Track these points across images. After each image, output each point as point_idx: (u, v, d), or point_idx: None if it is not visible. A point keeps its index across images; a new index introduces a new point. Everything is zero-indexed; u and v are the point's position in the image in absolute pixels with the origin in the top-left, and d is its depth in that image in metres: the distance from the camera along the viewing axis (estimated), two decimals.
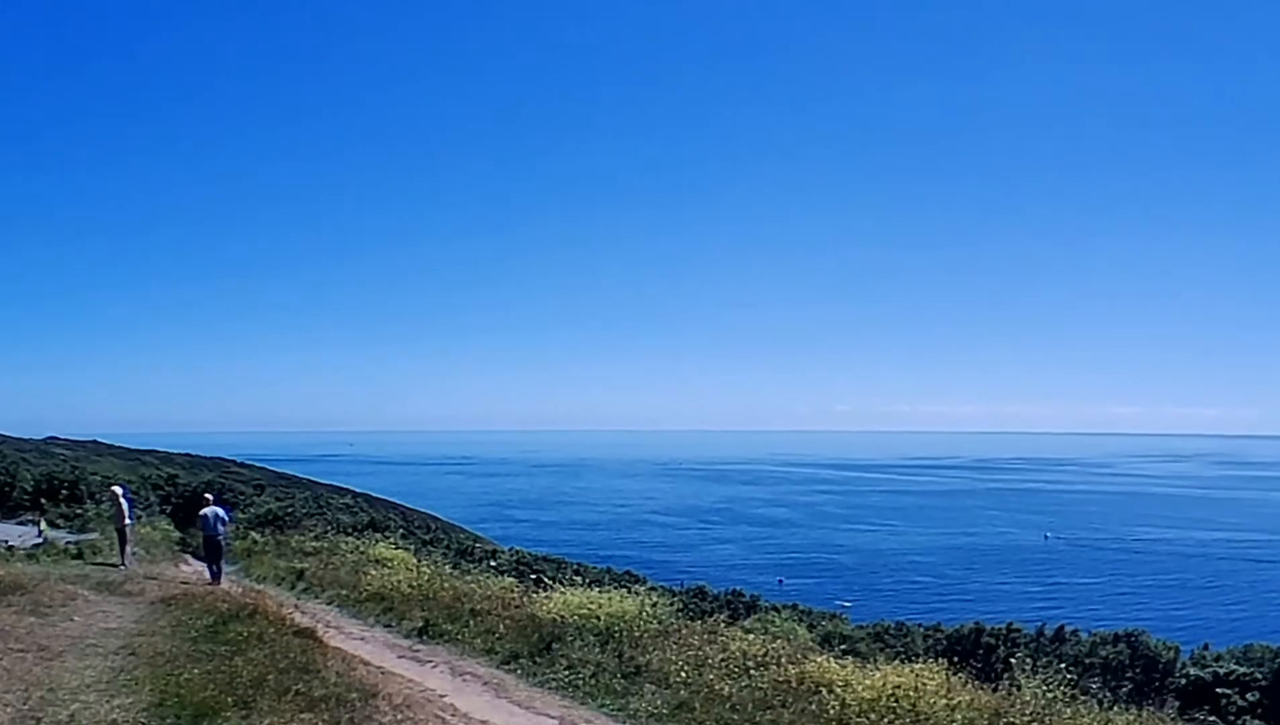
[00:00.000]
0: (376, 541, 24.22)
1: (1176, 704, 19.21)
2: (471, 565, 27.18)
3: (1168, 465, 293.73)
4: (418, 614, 15.12)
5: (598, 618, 13.04)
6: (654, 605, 13.87)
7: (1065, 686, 9.95)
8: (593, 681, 11.00)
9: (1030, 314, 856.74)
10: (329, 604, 17.27)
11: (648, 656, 11.47)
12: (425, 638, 14.01)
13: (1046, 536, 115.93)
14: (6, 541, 21.76)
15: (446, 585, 17.06)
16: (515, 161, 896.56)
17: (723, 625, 14.55)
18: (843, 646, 19.52)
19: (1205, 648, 24.14)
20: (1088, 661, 22.16)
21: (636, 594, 14.98)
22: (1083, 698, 10.36)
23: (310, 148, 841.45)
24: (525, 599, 15.40)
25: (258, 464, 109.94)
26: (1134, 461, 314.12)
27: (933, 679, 9.58)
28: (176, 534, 27.53)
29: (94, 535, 23.97)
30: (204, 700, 7.95)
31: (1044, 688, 9.82)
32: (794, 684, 10.09)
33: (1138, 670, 22.36)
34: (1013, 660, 11.63)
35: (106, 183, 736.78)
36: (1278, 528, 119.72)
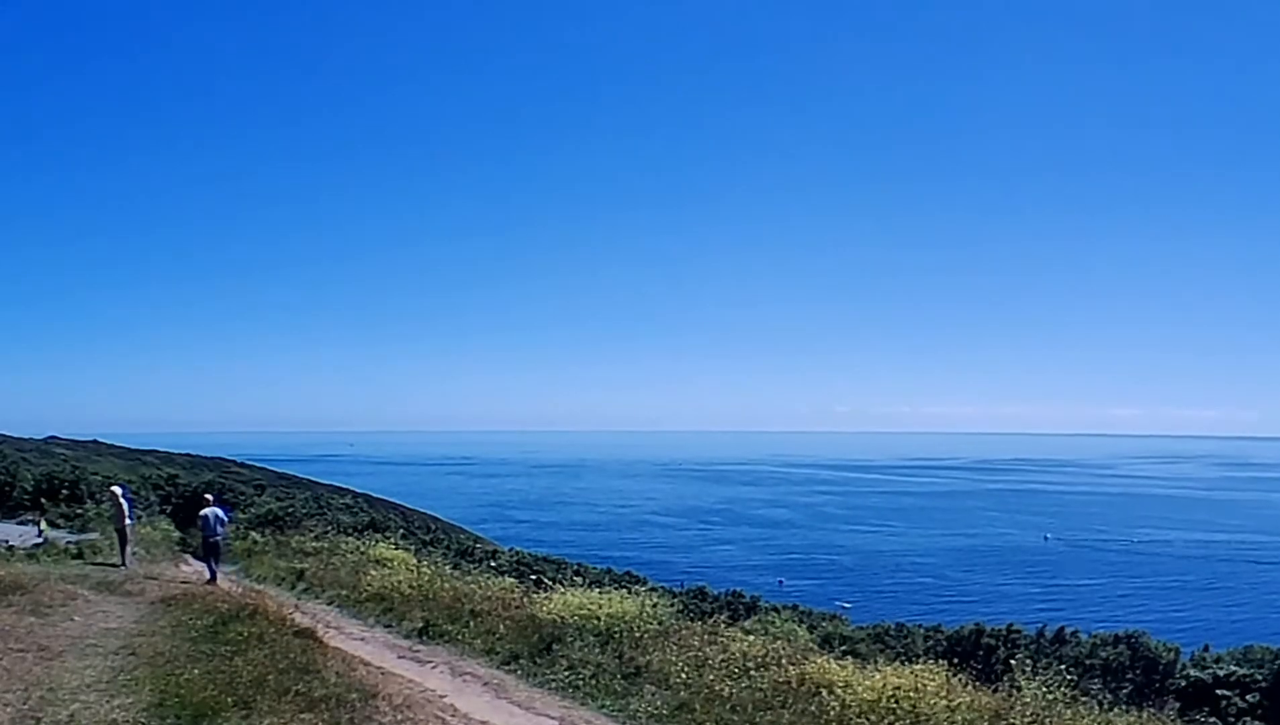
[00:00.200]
0: (377, 542, 24.23)
1: (1176, 705, 19.18)
2: (472, 566, 27.18)
3: (1168, 466, 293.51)
4: (418, 614, 15.12)
5: (598, 618, 13.04)
6: (654, 606, 13.88)
7: (1065, 688, 9.95)
8: (593, 682, 10.99)
9: (1031, 315, 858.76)
10: (329, 604, 17.26)
11: (648, 657, 11.46)
12: (425, 638, 14.00)
13: (1046, 538, 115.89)
14: (7, 541, 21.76)
15: (447, 586, 17.05)
16: (515, 161, 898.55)
17: (723, 626, 14.55)
18: (843, 647, 19.53)
19: (1205, 649, 24.11)
20: (1088, 663, 22.13)
21: (637, 595, 14.98)
22: (1083, 699, 10.37)
23: (310, 148, 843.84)
24: (525, 599, 15.39)
25: (258, 464, 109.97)
26: (1134, 463, 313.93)
27: (933, 680, 9.58)
28: (177, 534, 27.51)
29: (94, 535, 23.97)
30: (204, 700, 7.95)
31: (1044, 689, 9.82)
32: (794, 685, 10.09)
33: (1138, 672, 22.33)
34: (1013, 661, 11.63)
35: (106, 183, 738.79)
36: (1278, 529, 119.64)
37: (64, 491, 29.90)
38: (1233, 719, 19.03)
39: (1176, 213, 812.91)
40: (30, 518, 26.69)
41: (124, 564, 19.65)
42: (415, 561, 20.54)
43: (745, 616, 24.53)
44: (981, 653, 22.14)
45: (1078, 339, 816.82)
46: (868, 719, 8.90)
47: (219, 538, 19.73)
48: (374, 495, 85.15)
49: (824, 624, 26.19)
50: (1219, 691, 19.75)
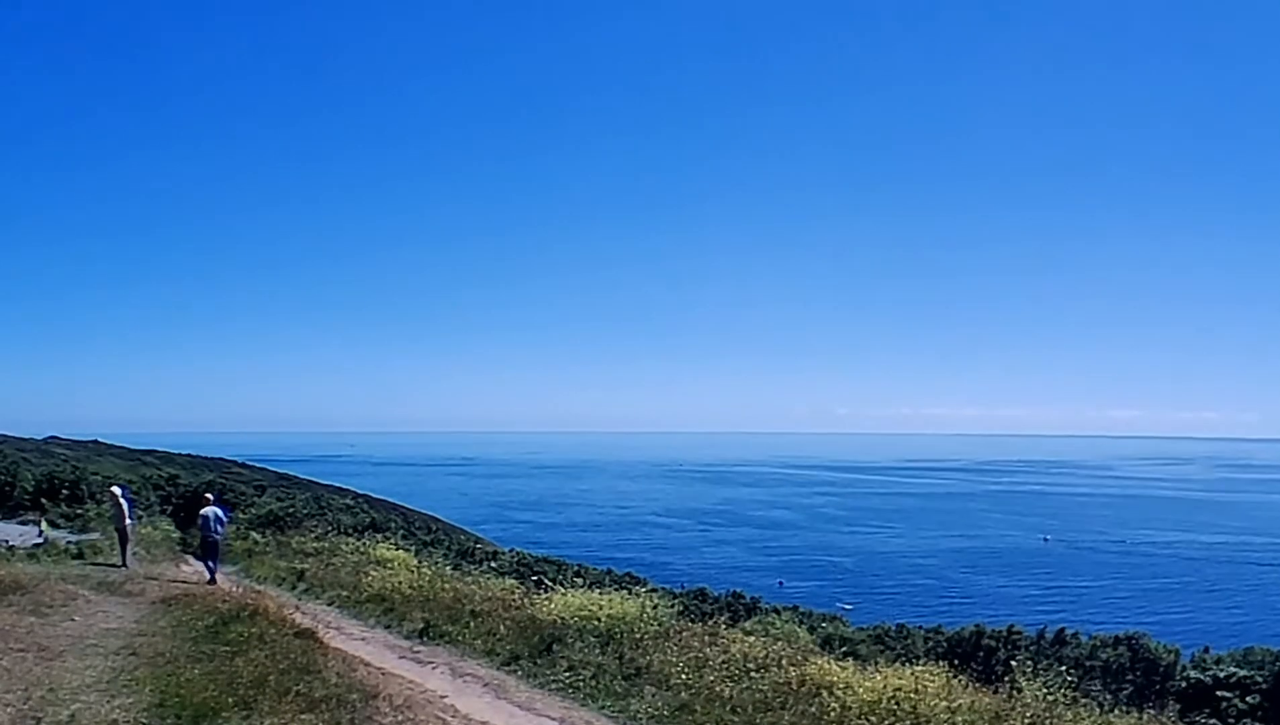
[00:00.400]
0: (377, 542, 24.24)
1: (1177, 707, 19.16)
2: (472, 566, 27.21)
3: (1168, 468, 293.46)
4: (418, 615, 15.11)
5: (598, 619, 13.03)
6: (655, 607, 13.86)
7: (1066, 689, 9.95)
8: (593, 683, 10.99)
9: (1031, 316, 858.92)
10: (330, 605, 17.25)
11: (648, 658, 11.45)
12: (426, 639, 13.99)
13: (1046, 539, 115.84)
14: (7, 541, 21.77)
15: (447, 586, 17.05)
16: (516, 161, 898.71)
17: (723, 627, 14.54)
18: (843, 649, 19.52)
19: (1206, 651, 24.13)
20: (1088, 664, 22.14)
21: (637, 596, 14.96)
22: (1083, 700, 10.37)
23: (311, 148, 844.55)
24: (526, 600, 15.38)
25: (259, 464, 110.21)
26: (1135, 464, 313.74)
27: (934, 681, 9.58)
28: (177, 534, 27.51)
29: (95, 535, 23.97)
30: (205, 701, 7.95)
31: (1045, 690, 9.82)
32: (795, 686, 10.08)
33: (1138, 673, 22.35)
34: (1013, 663, 11.61)
35: (106, 183, 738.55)
36: (1278, 531, 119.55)
37: (64, 492, 29.92)
38: (1233, 720, 19.03)
39: (1177, 214, 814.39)
40: (31, 518, 26.71)
41: (124, 564, 19.65)
42: (416, 562, 20.54)
43: (746, 617, 24.54)
44: (982, 654, 22.15)
45: (1078, 341, 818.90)
46: (868, 720, 8.89)
47: (218, 537, 19.73)
48: (374, 496, 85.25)
49: (824, 625, 26.18)
50: (1219, 693, 19.76)
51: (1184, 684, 20.98)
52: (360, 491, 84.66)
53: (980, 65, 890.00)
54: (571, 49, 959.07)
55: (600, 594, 14.60)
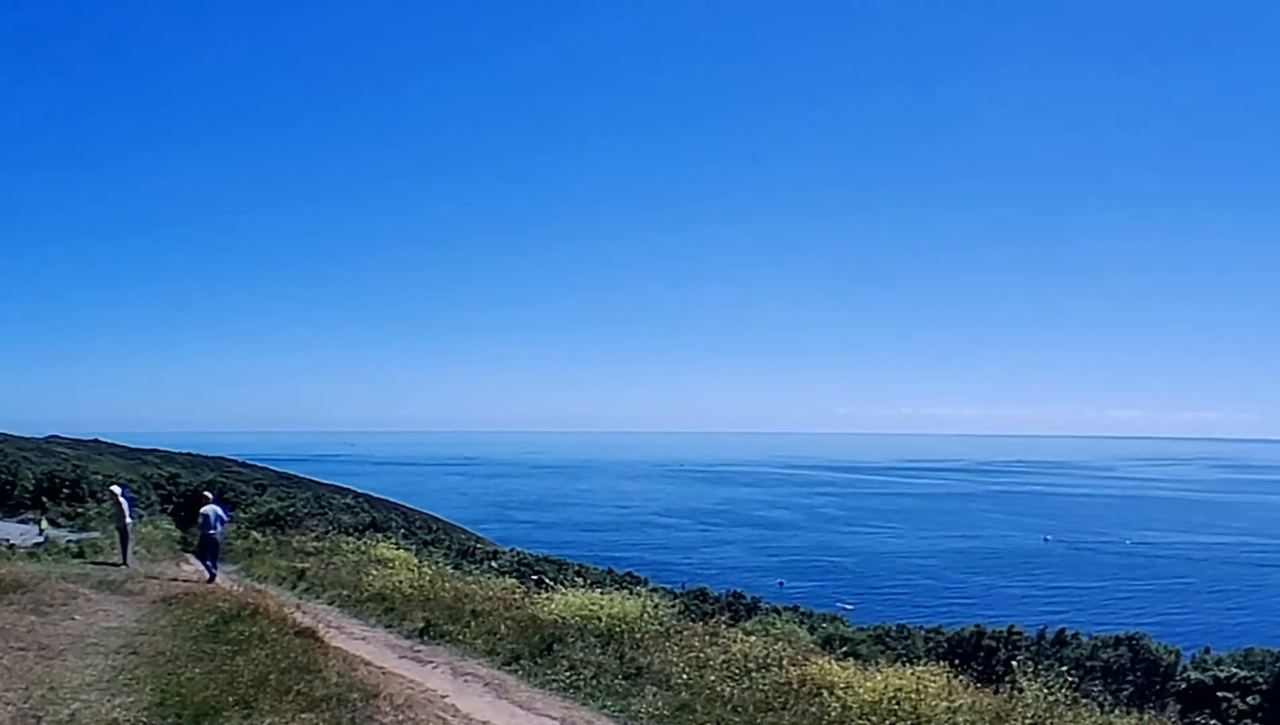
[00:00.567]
0: (378, 542, 24.25)
1: (1177, 707, 19.14)
2: (473, 566, 27.21)
3: (1168, 468, 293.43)
4: (419, 614, 15.11)
5: (599, 619, 13.03)
6: (655, 607, 13.86)
7: (1066, 689, 9.95)
8: (594, 683, 10.98)
9: (1031, 316, 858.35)
10: (330, 604, 17.25)
11: (649, 658, 11.45)
12: (426, 638, 13.99)
13: (1047, 539, 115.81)
14: (8, 540, 21.78)
15: (448, 586, 17.04)
16: (516, 161, 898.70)
17: (724, 627, 14.54)
18: (844, 649, 19.49)
19: (1206, 651, 24.09)
20: (1089, 665, 22.12)
21: (638, 595, 14.96)
22: (1084, 701, 10.36)
23: (311, 148, 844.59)
24: (527, 600, 15.39)
25: (259, 464, 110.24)
26: (1135, 465, 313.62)
27: (934, 681, 9.57)
28: (178, 533, 27.51)
29: (95, 534, 23.99)
30: (205, 700, 7.95)
31: (1045, 691, 9.81)
32: (795, 686, 10.07)
33: (1139, 674, 22.33)
34: (1014, 663, 11.62)
35: (106, 183, 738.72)
36: (1278, 532, 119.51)
37: (65, 490, 29.93)
38: (1233, 721, 18.99)
39: (1177, 214, 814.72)
40: (31, 517, 26.74)
41: (125, 563, 19.65)
42: (416, 561, 20.55)
43: (746, 617, 24.54)
44: (982, 654, 22.12)
45: (1078, 341, 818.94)
46: (869, 720, 8.89)
47: (218, 535, 19.73)
48: (375, 495, 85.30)
49: (825, 625, 26.16)
50: (1220, 694, 19.72)
51: (1184, 684, 20.94)
52: (361, 491, 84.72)
53: (980, 65, 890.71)
54: (571, 49, 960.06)
55: (601, 594, 14.59)
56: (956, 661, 12.08)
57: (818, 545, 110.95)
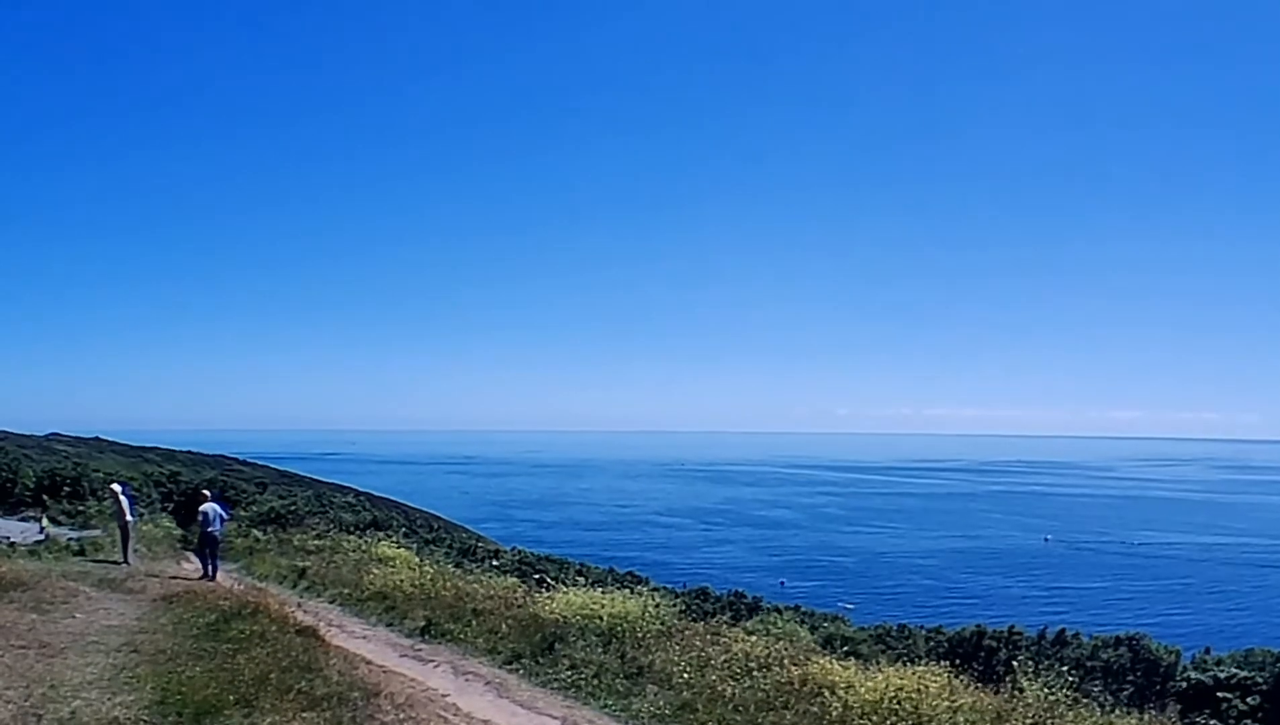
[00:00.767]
0: (379, 540, 24.24)
1: (1177, 708, 19.14)
2: (474, 565, 27.20)
3: (1169, 469, 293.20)
4: (420, 613, 15.12)
5: (600, 618, 13.03)
6: (656, 606, 13.86)
7: (1067, 689, 9.94)
8: (595, 682, 10.98)
9: (1031, 317, 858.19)
10: (331, 602, 17.26)
11: (650, 657, 11.45)
12: (428, 637, 14.00)
13: (1047, 539, 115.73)
14: (8, 538, 21.79)
15: (449, 584, 17.05)
16: (516, 161, 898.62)
17: (725, 626, 14.56)
18: (845, 648, 19.45)
19: (1206, 652, 24.07)
20: (1089, 665, 22.11)
21: (639, 595, 14.96)
22: (1084, 701, 10.35)
23: (311, 148, 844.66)
24: (528, 599, 15.39)
25: (260, 462, 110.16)
26: (1135, 465, 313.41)
27: (935, 681, 9.57)
28: (178, 531, 27.52)
29: (96, 532, 24.01)
30: (206, 698, 7.95)
31: (1046, 691, 9.81)
32: (796, 685, 10.07)
33: (1139, 674, 22.32)
34: (1014, 663, 11.60)
35: (106, 183, 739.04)
36: (1279, 532, 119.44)
37: (66, 488, 29.94)
38: (1233, 722, 18.98)
39: (1177, 214, 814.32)
40: (32, 514, 26.75)
41: (125, 561, 19.66)
42: (417, 560, 20.55)
43: (747, 617, 24.53)
44: (983, 654, 22.12)
45: (1078, 341, 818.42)
46: (870, 720, 8.89)
47: (217, 532, 19.72)
48: (376, 494, 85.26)
49: (826, 625, 26.14)
50: (1220, 694, 19.71)
51: (1184, 685, 20.93)
52: (362, 489, 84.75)
53: (980, 65, 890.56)
54: (571, 49, 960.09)
55: (602, 593, 14.59)
56: (957, 661, 12.08)
57: (819, 545, 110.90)
